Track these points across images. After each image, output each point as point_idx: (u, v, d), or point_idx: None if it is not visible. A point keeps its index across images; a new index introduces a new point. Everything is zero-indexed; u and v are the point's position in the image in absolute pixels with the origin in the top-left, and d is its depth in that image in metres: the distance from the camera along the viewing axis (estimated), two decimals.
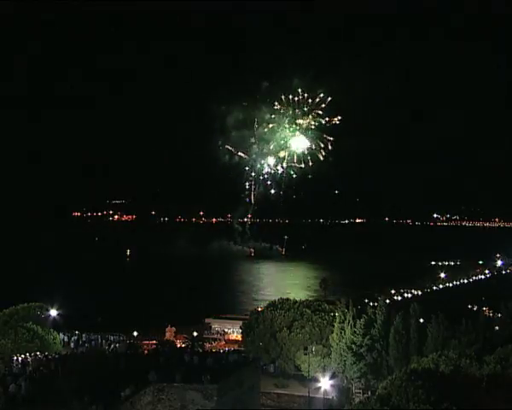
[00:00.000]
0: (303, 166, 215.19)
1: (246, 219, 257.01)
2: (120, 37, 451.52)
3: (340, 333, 53.43)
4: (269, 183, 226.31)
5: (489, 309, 79.05)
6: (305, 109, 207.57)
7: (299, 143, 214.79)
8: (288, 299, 63.66)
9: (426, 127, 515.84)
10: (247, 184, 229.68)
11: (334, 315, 56.65)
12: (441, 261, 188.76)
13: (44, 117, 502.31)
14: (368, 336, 52.04)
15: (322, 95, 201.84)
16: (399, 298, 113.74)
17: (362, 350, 51.81)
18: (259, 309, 66.20)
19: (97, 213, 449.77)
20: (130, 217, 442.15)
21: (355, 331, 52.74)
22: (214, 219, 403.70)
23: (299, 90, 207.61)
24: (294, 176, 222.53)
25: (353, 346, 52.16)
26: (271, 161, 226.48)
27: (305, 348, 54.93)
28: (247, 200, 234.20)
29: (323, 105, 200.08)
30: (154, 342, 68.37)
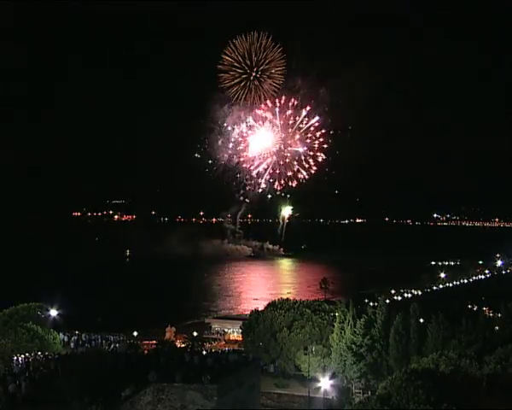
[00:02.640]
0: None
1: (236, 219, 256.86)
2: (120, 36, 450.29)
3: (340, 333, 53.45)
4: (264, 182, 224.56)
5: (489, 309, 79.06)
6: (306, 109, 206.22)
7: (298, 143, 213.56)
8: (288, 299, 63.73)
9: (426, 127, 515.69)
10: (243, 183, 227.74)
11: (334, 315, 56.68)
12: (441, 261, 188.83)
13: (44, 117, 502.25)
14: (368, 336, 52.08)
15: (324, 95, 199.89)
16: (399, 298, 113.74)
17: (362, 350, 51.86)
18: (259, 309, 66.16)
19: (97, 213, 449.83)
20: (130, 217, 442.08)
21: (355, 331, 52.78)
22: (214, 219, 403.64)
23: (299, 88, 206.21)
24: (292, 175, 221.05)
25: (353, 346, 52.20)
26: (270, 160, 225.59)
27: (305, 348, 54.95)
28: (243, 199, 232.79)
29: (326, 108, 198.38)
30: (154, 342, 68.40)
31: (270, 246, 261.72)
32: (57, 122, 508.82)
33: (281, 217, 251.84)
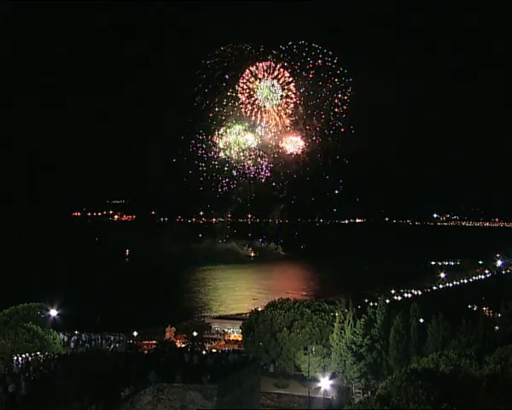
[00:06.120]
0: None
1: (224, 218, 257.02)
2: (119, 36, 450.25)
3: (340, 333, 53.43)
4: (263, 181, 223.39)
5: (489, 309, 79.13)
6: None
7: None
8: (288, 299, 63.66)
9: (425, 128, 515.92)
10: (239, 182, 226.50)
11: (334, 315, 56.66)
12: (441, 261, 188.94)
13: (45, 116, 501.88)
14: (368, 336, 52.06)
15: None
16: (399, 298, 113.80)
17: (362, 350, 51.83)
18: (259, 309, 66.19)
19: (97, 213, 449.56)
20: (130, 217, 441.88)
21: (355, 331, 52.75)
22: (214, 219, 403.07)
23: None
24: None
25: (353, 346, 52.18)
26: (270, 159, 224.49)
27: (305, 348, 54.91)
28: (239, 199, 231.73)
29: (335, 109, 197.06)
30: (154, 342, 68.38)
31: (260, 243, 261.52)
32: (58, 121, 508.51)
33: (272, 216, 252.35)
